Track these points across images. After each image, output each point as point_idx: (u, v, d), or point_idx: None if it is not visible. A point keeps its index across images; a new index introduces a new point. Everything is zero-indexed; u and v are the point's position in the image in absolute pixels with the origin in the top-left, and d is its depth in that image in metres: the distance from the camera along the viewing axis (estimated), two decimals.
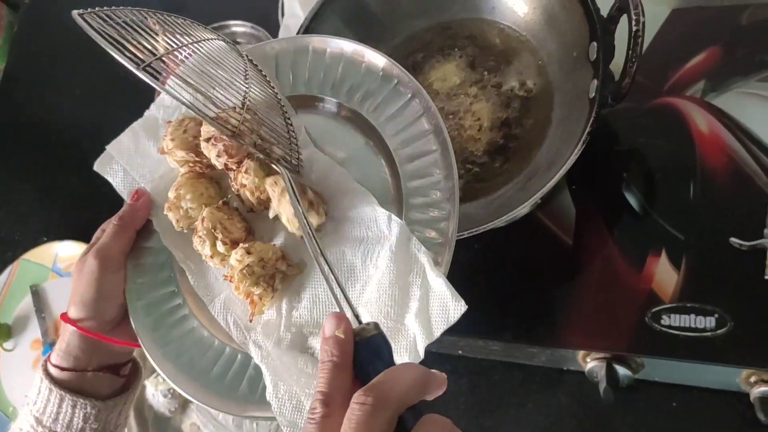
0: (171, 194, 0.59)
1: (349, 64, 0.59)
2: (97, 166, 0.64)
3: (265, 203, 0.58)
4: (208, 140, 0.57)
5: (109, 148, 0.64)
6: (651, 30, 0.69)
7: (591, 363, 0.64)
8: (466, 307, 0.49)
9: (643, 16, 0.51)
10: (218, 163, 0.57)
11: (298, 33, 0.67)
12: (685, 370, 0.64)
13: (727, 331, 0.58)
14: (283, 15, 1.00)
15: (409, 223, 0.53)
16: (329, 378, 0.36)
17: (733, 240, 0.59)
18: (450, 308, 0.50)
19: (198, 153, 0.59)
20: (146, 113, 0.66)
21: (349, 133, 0.59)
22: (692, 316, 0.59)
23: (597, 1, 0.59)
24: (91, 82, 1.19)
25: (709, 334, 0.58)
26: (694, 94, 0.66)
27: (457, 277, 0.68)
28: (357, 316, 0.41)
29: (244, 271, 0.54)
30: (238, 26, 1.07)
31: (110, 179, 0.63)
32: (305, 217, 0.48)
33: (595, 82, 0.56)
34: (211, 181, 0.61)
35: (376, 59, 0.57)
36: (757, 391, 0.59)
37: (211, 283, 0.59)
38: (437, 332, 0.49)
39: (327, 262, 0.45)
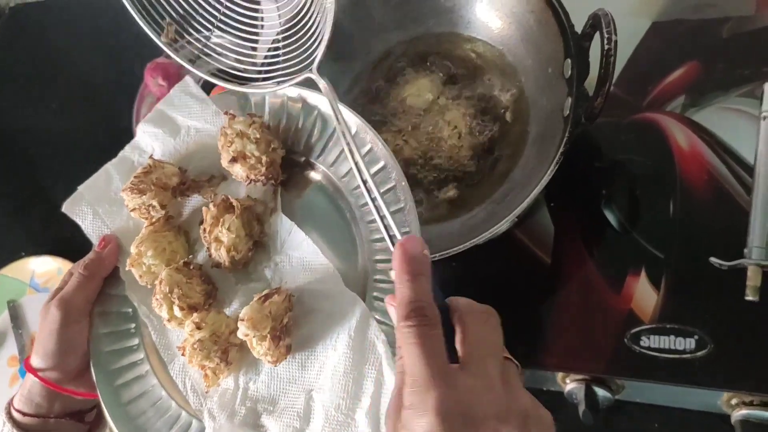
0: (133, 249, 0.59)
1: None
2: (66, 207, 0.63)
3: (239, 263, 0.57)
4: (234, 160, 0.57)
5: (81, 188, 0.63)
6: (631, 43, 0.69)
7: (570, 384, 0.63)
8: None
9: (615, 34, 0.50)
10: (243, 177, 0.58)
11: (269, 49, 0.66)
12: (665, 392, 0.63)
13: (707, 353, 0.56)
14: (263, 27, 0.99)
15: (371, 308, 0.52)
16: (422, 289, 0.37)
17: (713, 260, 0.58)
18: None
19: (163, 205, 0.60)
20: (121, 154, 0.65)
21: (327, 204, 0.58)
22: (672, 337, 0.58)
23: (572, 18, 0.57)
24: (68, 95, 1.18)
25: (688, 356, 0.57)
26: (674, 109, 0.65)
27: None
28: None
29: (195, 346, 0.54)
30: (218, 37, 1.05)
31: (79, 221, 0.62)
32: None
33: (570, 99, 0.55)
34: (177, 233, 0.61)
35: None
36: (738, 414, 0.58)
37: (172, 342, 0.59)
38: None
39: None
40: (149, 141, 0.64)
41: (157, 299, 0.57)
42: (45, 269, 0.97)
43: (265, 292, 0.54)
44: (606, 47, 0.50)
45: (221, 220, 0.57)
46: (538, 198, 0.64)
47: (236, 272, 0.59)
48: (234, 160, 0.58)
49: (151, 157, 0.62)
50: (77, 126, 1.14)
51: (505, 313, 0.65)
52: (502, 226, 0.57)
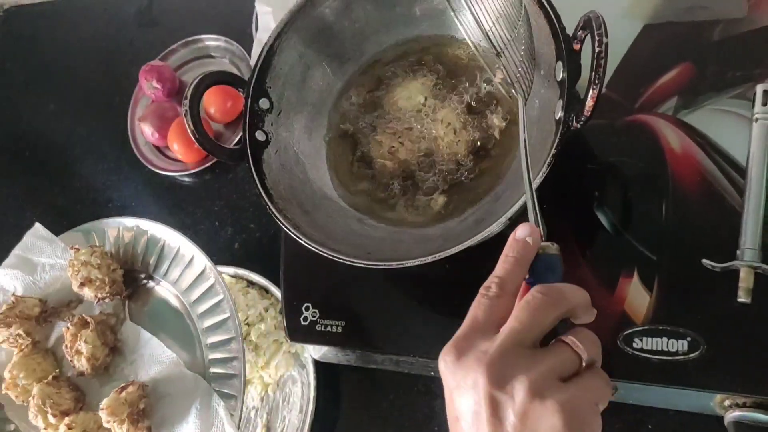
0: (6, 375, 0.70)
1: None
2: None
3: (99, 368, 0.70)
4: (82, 285, 0.71)
5: None
6: (623, 46, 0.68)
7: None
8: None
9: (606, 36, 0.50)
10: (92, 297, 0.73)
11: (262, 51, 0.66)
12: (658, 394, 0.63)
13: (699, 355, 0.56)
14: (257, 29, 0.99)
15: (210, 379, 0.67)
16: (508, 269, 0.42)
17: (706, 261, 0.58)
18: None
19: (28, 333, 0.72)
20: None
21: (168, 310, 0.74)
22: (664, 339, 0.58)
23: (564, 20, 0.57)
24: (65, 97, 1.18)
25: (681, 357, 0.57)
26: (666, 111, 0.65)
27: (426, 298, 0.67)
28: (543, 236, 0.46)
29: None
30: (212, 40, 1.06)
31: None
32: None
33: (561, 102, 0.55)
34: (45, 355, 0.73)
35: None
36: (730, 416, 0.58)
37: None
38: None
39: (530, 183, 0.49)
40: (11, 282, 0.78)
41: (32, 412, 0.67)
42: None
43: (122, 385, 0.67)
44: (597, 49, 0.50)
45: (79, 335, 0.69)
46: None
47: (99, 376, 0.72)
48: (82, 284, 0.71)
49: (13, 294, 0.75)
50: (74, 128, 1.15)
51: None
52: (495, 228, 0.57)
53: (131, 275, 0.77)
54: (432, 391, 0.76)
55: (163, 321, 0.74)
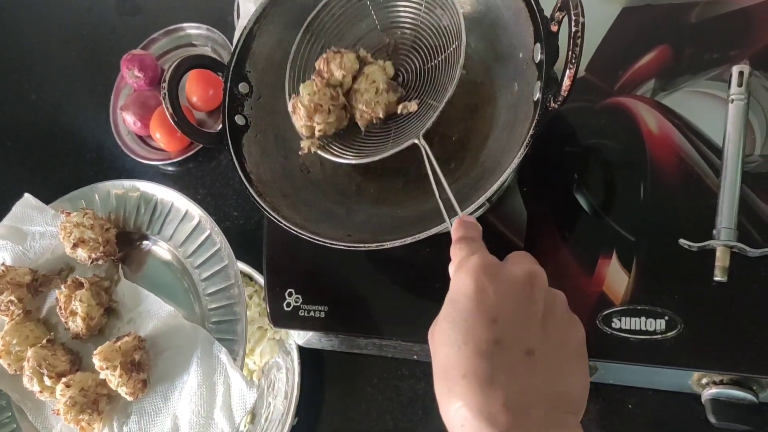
0: None
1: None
2: None
3: (94, 329, 0.69)
4: (75, 246, 0.71)
5: None
6: (602, 29, 0.69)
7: None
8: (257, 394, 0.63)
9: (583, 16, 0.50)
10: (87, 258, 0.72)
11: (241, 36, 0.66)
12: (637, 373, 0.63)
13: (677, 334, 0.57)
14: (238, 17, 0.99)
15: (211, 331, 0.66)
16: (470, 232, 0.49)
17: (683, 241, 0.59)
18: (246, 396, 0.63)
19: (20, 299, 0.71)
20: None
21: (163, 268, 0.74)
22: (643, 318, 0.58)
23: (542, 2, 0.58)
24: (46, 87, 1.17)
25: (659, 336, 0.58)
26: (644, 93, 0.65)
27: (408, 282, 0.68)
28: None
29: (68, 403, 0.62)
30: (194, 29, 1.05)
31: None
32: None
33: (539, 84, 0.55)
34: (37, 323, 0.72)
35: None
36: (707, 393, 0.59)
37: (48, 416, 0.69)
38: (238, 419, 0.62)
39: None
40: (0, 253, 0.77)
41: (27, 375, 0.66)
42: None
43: (118, 336, 0.67)
44: (574, 29, 0.50)
45: (73, 296, 0.68)
46: (510, 183, 0.65)
47: (95, 338, 0.70)
48: (75, 245, 0.70)
49: (2, 264, 0.74)
50: (55, 118, 1.14)
51: None
52: (474, 211, 0.57)
53: (125, 237, 0.76)
54: (416, 374, 0.77)
55: (159, 280, 0.73)
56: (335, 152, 0.63)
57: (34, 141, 1.13)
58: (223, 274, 0.68)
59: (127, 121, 1.00)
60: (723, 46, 0.64)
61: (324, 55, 0.64)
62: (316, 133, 0.64)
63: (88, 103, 1.11)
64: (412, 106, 0.62)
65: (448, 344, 0.42)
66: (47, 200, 0.91)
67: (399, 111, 0.63)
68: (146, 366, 0.65)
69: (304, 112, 0.62)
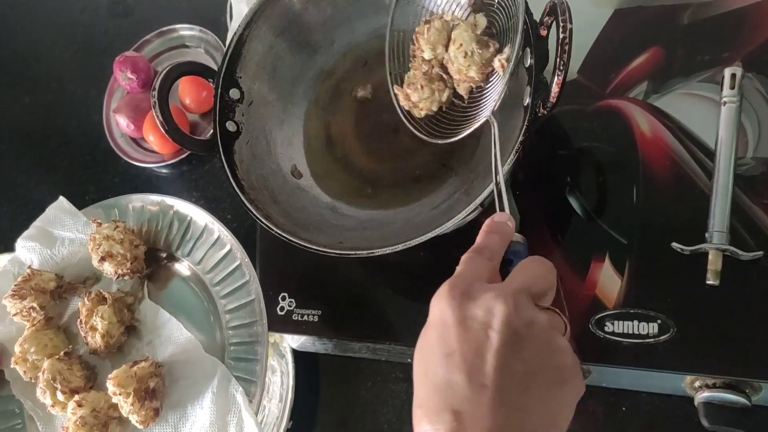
0: (17, 348, 0.67)
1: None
2: None
3: (113, 347, 0.68)
4: (102, 260, 0.69)
5: None
6: (593, 31, 0.69)
7: None
8: None
9: (571, 22, 0.50)
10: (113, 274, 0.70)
11: (231, 41, 0.65)
12: (631, 377, 0.64)
13: (670, 337, 0.57)
14: (231, 18, 0.98)
15: (230, 368, 0.64)
16: (495, 242, 0.47)
17: (675, 245, 0.59)
18: None
19: (42, 306, 0.69)
20: (1, 269, 0.75)
21: (187, 290, 0.72)
22: (635, 322, 0.58)
23: (532, 6, 0.57)
24: (39, 90, 1.17)
25: (652, 340, 0.58)
26: (636, 95, 0.65)
27: (401, 286, 0.68)
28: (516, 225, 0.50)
29: (78, 422, 0.61)
30: (187, 30, 1.05)
31: None
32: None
33: (528, 89, 0.55)
34: (57, 331, 0.70)
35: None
36: (700, 396, 0.59)
37: (58, 429, 0.68)
38: None
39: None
40: (27, 254, 0.75)
41: (41, 387, 0.65)
42: None
43: (135, 360, 0.65)
44: (562, 35, 0.50)
45: (95, 310, 0.67)
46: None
47: (112, 356, 0.69)
48: (103, 259, 0.69)
49: (29, 267, 0.72)
50: (49, 121, 1.14)
51: None
52: (467, 215, 0.57)
53: (152, 255, 0.74)
54: (409, 378, 0.76)
55: (182, 302, 0.71)
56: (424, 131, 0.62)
57: (28, 144, 1.13)
58: (248, 309, 0.66)
59: (120, 123, 1.00)
60: (715, 47, 0.64)
61: (416, 30, 0.61)
62: (420, 113, 0.62)
63: (82, 105, 1.11)
64: (506, 53, 0.57)
65: (415, 373, 0.43)
66: (40, 203, 0.91)
67: (497, 66, 0.58)
68: (160, 394, 0.64)
69: (402, 96, 0.62)
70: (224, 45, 0.99)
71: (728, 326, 0.56)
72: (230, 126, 0.66)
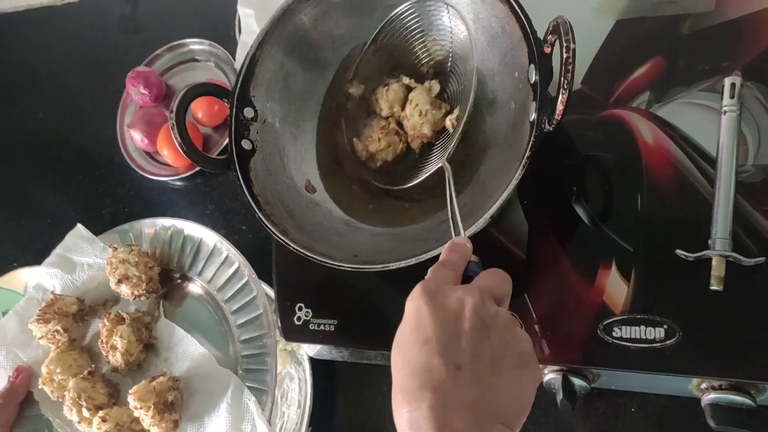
0: (43, 370, 0.71)
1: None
2: None
3: (133, 365, 0.72)
4: (119, 282, 0.73)
5: None
6: (596, 41, 0.70)
7: (548, 375, 0.65)
8: None
9: (574, 42, 0.51)
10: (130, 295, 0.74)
11: (244, 62, 0.67)
12: (638, 380, 0.65)
13: (676, 341, 0.59)
14: (240, 32, 1.00)
15: (241, 377, 0.68)
16: (459, 258, 0.52)
17: (680, 252, 0.60)
18: None
19: (66, 329, 0.73)
20: (27, 296, 0.79)
21: (201, 308, 0.76)
22: (642, 327, 0.60)
23: (535, 22, 0.59)
24: (53, 104, 1.19)
25: (658, 344, 0.59)
26: (639, 105, 0.67)
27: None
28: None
29: None
30: (197, 44, 1.07)
31: None
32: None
33: (534, 104, 0.57)
34: (81, 352, 0.75)
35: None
36: (707, 398, 0.61)
37: None
38: None
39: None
40: (50, 280, 0.79)
41: (67, 405, 0.69)
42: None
43: (153, 375, 0.69)
44: (565, 55, 0.51)
45: (114, 330, 0.71)
46: (511, 197, 0.66)
47: (133, 373, 0.73)
48: (120, 281, 0.73)
49: (52, 292, 0.76)
50: (63, 135, 1.16)
51: None
52: (476, 227, 0.59)
53: (166, 275, 0.78)
54: None
55: (196, 319, 0.76)
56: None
57: (43, 157, 1.15)
58: (257, 323, 0.70)
59: (134, 138, 1.02)
60: (715, 57, 0.65)
61: (377, 92, 0.70)
62: (377, 163, 0.69)
63: (95, 119, 1.13)
64: (455, 114, 0.67)
65: (393, 365, 0.47)
66: (57, 217, 0.93)
67: (447, 125, 0.68)
68: (179, 406, 0.68)
69: (361, 147, 0.69)
70: (234, 58, 1.01)
71: (732, 330, 0.57)
72: (246, 144, 0.68)
